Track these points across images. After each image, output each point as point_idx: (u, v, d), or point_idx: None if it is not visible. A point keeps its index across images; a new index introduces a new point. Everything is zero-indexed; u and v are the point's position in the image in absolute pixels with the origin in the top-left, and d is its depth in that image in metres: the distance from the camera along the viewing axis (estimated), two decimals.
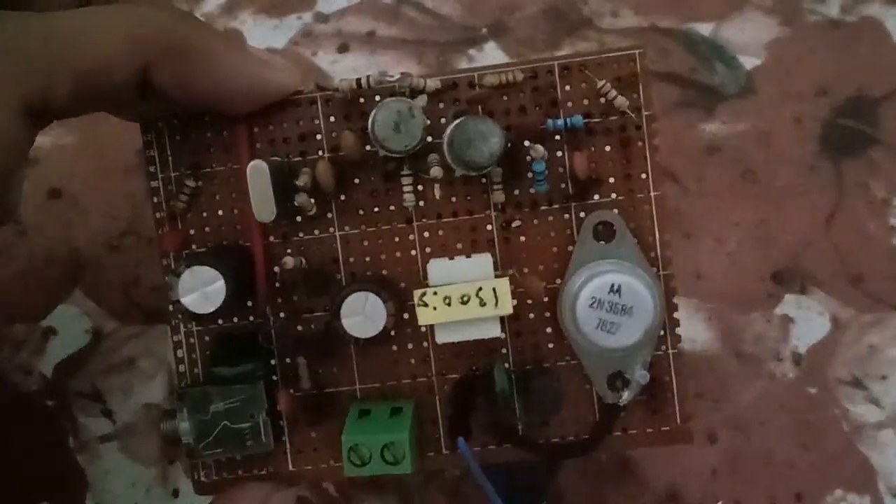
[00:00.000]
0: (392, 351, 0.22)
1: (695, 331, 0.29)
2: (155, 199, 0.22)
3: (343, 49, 0.35)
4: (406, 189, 0.21)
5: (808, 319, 0.29)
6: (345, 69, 0.35)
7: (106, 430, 0.26)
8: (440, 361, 0.21)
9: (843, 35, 0.37)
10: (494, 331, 0.20)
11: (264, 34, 0.35)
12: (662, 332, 0.21)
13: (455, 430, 0.21)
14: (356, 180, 0.21)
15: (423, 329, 0.21)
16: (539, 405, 0.21)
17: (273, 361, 0.22)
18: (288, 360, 0.22)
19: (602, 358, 0.21)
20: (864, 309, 0.30)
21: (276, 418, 0.21)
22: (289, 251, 0.21)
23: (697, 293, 0.30)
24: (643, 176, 0.21)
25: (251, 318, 0.22)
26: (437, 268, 0.20)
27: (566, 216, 0.21)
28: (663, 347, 0.21)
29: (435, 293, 0.19)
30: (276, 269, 0.21)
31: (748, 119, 0.34)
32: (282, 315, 0.22)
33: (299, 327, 0.22)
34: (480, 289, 0.19)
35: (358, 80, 0.20)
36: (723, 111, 0.35)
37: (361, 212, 0.21)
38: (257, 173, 0.19)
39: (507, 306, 0.19)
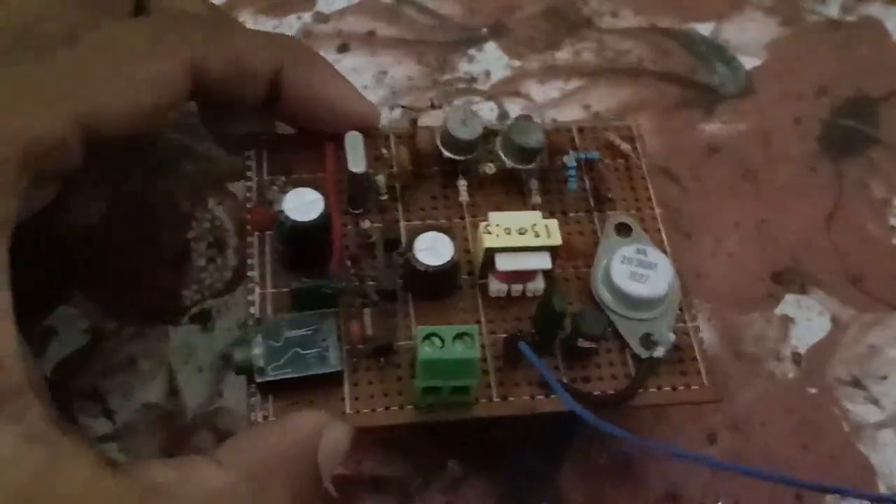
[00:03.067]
0: (444, 311, 0.23)
1: None
2: (248, 195, 0.24)
3: (343, 49, 0.35)
4: (462, 188, 0.25)
5: (808, 319, 0.29)
6: (345, 69, 0.35)
7: (106, 430, 0.26)
8: (491, 323, 0.23)
9: (843, 35, 0.37)
10: (546, 263, 0.23)
11: None
12: (679, 310, 0.24)
13: (510, 356, 0.22)
14: (420, 191, 0.25)
15: (475, 292, 0.24)
16: (588, 333, 0.22)
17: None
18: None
19: (634, 322, 0.23)
20: (864, 309, 0.30)
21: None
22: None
23: (697, 293, 0.30)
24: (647, 199, 0.26)
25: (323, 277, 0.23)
26: (496, 217, 0.23)
27: (591, 223, 0.25)
28: (683, 322, 0.24)
29: (497, 224, 0.23)
30: (347, 245, 0.24)
31: (748, 119, 0.34)
32: (352, 272, 0.23)
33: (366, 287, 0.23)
34: (535, 224, 0.23)
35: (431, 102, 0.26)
36: (723, 111, 0.35)
37: (422, 209, 0.25)
38: (353, 137, 0.24)
39: (557, 238, 0.23)
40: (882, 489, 0.26)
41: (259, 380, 0.21)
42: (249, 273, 0.23)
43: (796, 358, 0.29)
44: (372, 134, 0.25)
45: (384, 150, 0.26)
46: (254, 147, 0.25)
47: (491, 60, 0.35)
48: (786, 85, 0.36)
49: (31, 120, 0.18)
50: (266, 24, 0.36)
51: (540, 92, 0.35)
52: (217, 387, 0.26)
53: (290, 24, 0.36)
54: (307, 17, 0.36)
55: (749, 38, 0.37)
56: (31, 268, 0.19)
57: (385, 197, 0.25)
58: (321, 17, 0.36)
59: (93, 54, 0.20)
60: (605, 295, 0.24)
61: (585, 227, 0.25)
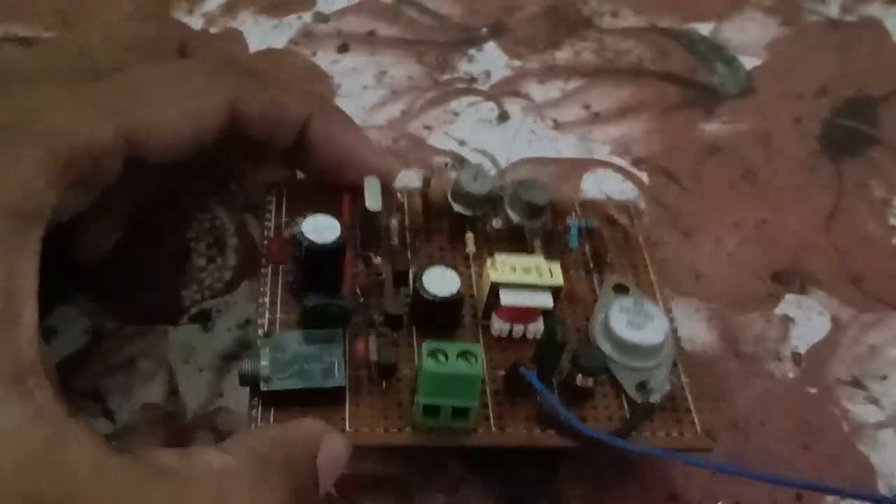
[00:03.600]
0: None
1: (695, 331, 0.29)
2: (266, 233, 0.26)
3: (343, 49, 0.35)
4: (469, 240, 0.26)
5: (808, 319, 0.29)
6: (345, 69, 0.35)
7: (106, 430, 0.26)
8: (492, 361, 0.24)
9: (843, 35, 0.37)
10: (547, 301, 0.23)
11: (264, 34, 0.35)
12: (675, 364, 0.24)
13: (511, 386, 0.23)
14: (429, 241, 0.26)
15: (477, 331, 0.24)
16: (587, 367, 0.22)
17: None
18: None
19: (630, 371, 0.24)
20: (864, 309, 0.30)
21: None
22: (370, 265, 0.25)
23: (697, 293, 0.30)
24: (644, 266, 0.27)
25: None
26: (502, 257, 0.24)
27: (590, 283, 0.26)
28: (678, 377, 0.24)
29: (503, 262, 0.23)
30: (358, 289, 0.24)
31: (748, 119, 0.34)
32: (361, 300, 0.24)
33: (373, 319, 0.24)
34: (539, 266, 0.23)
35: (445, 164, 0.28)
36: (723, 111, 0.35)
37: (430, 257, 0.26)
38: (372, 181, 0.25)
39: (559, 279, 0.23)
40: (882, 489, 0.26)
41: (264, 388, 0.22)
42: (261, 300, 0.24)
43: (796, 358, 0.29)
44: (388, 188, 0.27)
45: (399, 195, 0.27)
46: (276, 190, 0.27)
47: (491, 60, 0.36)
48: (786, 85, 0.36)
49: (82, 124, 0.20)
50: (266, 24, 0.36)
51: (540, 92, 0.35)
52: (217, 387, 0.26)
53: (291, 24, 0.36)
54: (307, 16, 0.36)
55: (749, 38, 0.37)
56: None
57: (396, 242, 0.26)
58: (321, 17, 0.36)
59: (142, 81, 0.22)
60: (603, 345, 0.24)
61: (585, 286, 0.26)
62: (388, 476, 0.25)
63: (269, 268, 0.25)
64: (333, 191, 0.26)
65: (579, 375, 0.22)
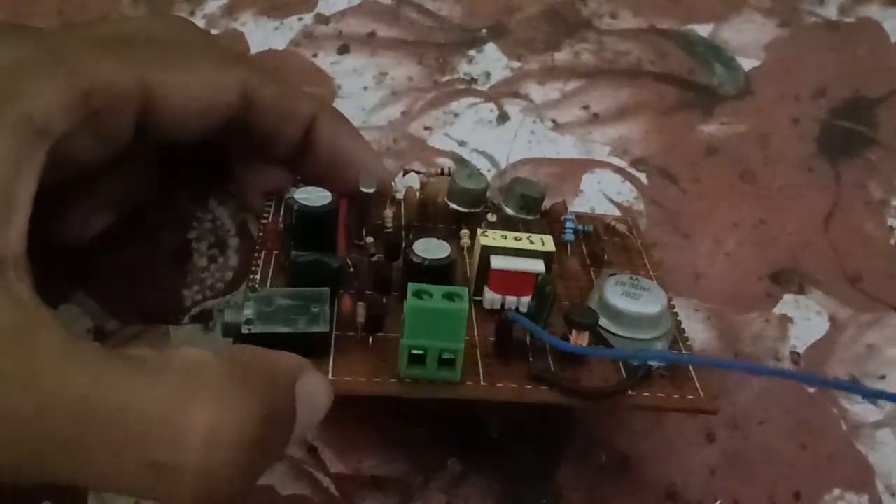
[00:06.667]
0: None
1: (694, 331, 0.29)
2: (262, 221, 0.26)
3: (343, 50, 0.35)
4: (462, 235, 0.26)
5: (807, 319, 0.30)
6: (345, 70, 0.35)
7: None
8: (483, 328, 0.23)
9: (841, 36, 0.38)
10: (539, 267, 0.23)
11: (265, 35, 0.35)
12: (676, 341, 0.24)
13: (501, 351, 0.23)
14: (422, 236, 0.26)
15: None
16: (580, 323, 0.22)
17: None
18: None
19: (627, 341, 0.23)
20: (862, 309, 0.30)
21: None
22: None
23: (696, 293, 0.30)
24: (643, 266, 0.27)
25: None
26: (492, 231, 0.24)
27: (588, 275, 0.26)
28: (677, 351, 0.24)
29: (494, 232, 0.24)
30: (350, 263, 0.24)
31: (747, 120, 0.35)
32: (351, 270, 0.24)
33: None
34: (530, 237, 0.24)
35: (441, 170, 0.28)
36: (721, 112, 0.35)
37: None
38: (369, 168, 0.26)
39: (551, 246, 0.24)
40: (880, 488, 0.26)
41: (245, 331, 0.21)
42: (252, 276, 0.24)
43: (795, 357, 0.29)
44: (385, 194, 0.27)
45: (393, 184, 0.28)
46: (275, 198, 0.27)
47: (491, 61, 0.36)
48: (784, 86, 0.36)
49: (105, 67, 0.21)
50: (267, 26, 0.36)
51: (540, 93, 0.35)
52: None
53: (291, 26, 0.36)
54: (308, 18, 0.36)
55: (747, 40, 0.37)
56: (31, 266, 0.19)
57: (390, 230, 0.26)
58: (322, 19, 0.36)
59: (166, 46, 0.23)
60: (600, 321, 0.24)
61: (582, 277, 0.26)
62: (388, 475, 0.26)
63: (263, 254, 0.25)
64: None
65: (573, 332, 0.22)
